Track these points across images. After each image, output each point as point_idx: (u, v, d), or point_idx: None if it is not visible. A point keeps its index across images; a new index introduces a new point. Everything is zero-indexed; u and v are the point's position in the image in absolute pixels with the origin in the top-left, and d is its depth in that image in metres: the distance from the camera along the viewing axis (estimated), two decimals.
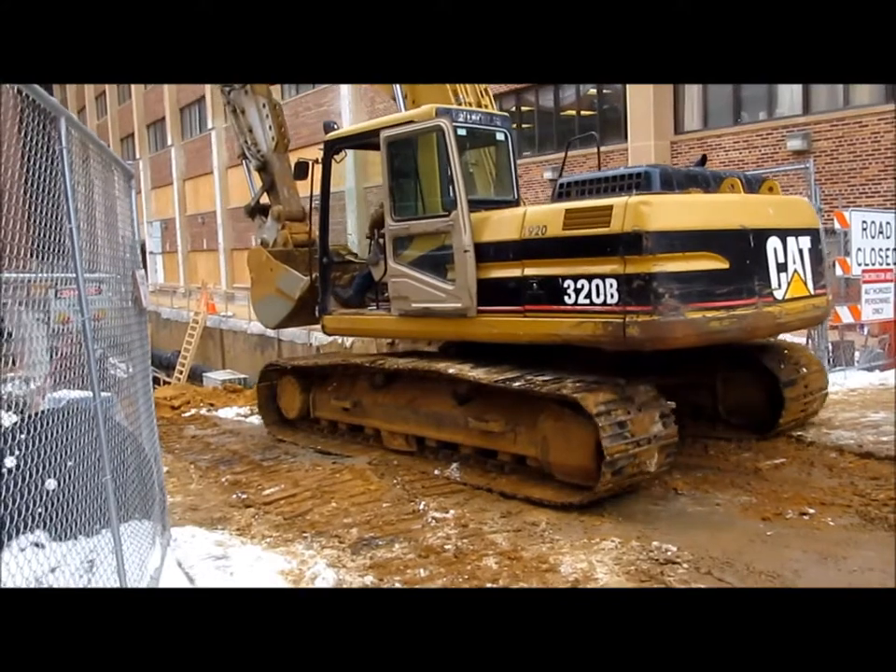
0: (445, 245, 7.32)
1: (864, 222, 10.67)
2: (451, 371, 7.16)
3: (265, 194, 10.77)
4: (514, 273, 6.76)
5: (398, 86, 9.06)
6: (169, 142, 45.03)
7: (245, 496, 7.18)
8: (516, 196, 8.82)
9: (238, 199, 37.51)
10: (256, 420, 11.39)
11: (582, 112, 21.94)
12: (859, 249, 10.53)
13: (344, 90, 27.87)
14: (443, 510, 6.31)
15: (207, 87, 38.42)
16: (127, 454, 4.82)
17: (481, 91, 8.91)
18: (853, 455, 7.02)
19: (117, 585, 4.05)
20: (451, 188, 7.16)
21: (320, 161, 8.73)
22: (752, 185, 7.08)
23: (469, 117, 8.05)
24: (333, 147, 8.72)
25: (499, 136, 8.59)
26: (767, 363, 7.62)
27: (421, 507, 6.40)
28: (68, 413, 3.87)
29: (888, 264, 11.00)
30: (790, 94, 16.90)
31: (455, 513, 6.21)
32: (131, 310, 5.44)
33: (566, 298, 6.35)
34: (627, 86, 18.95)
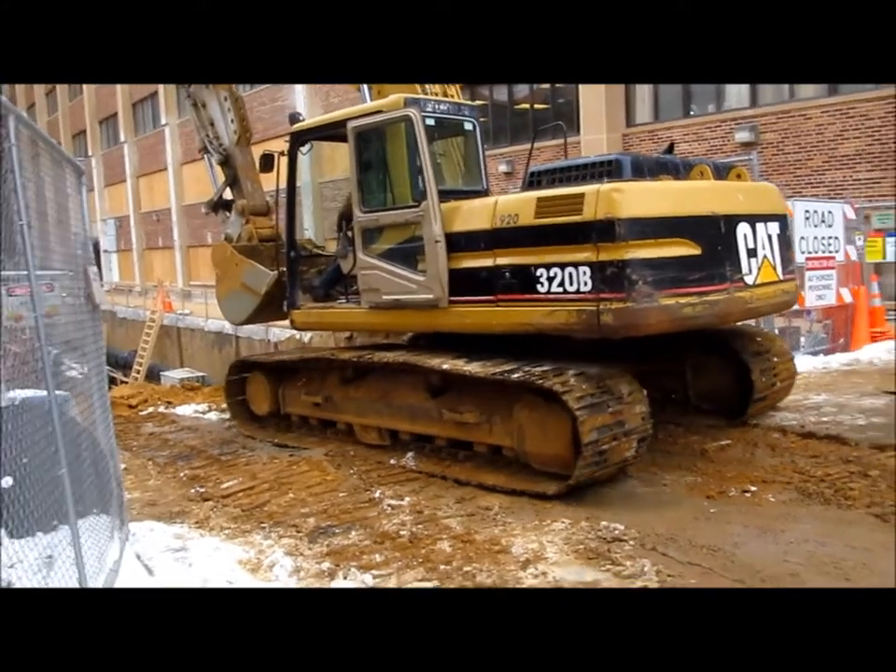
0: (415, 236, 7.28)
1: (807, 211, 10.97)
2: (444, 365, 6.96)
3: (228, 189, 10.63)
4: (486, 262, 6.74)
5: None
6: (122, 138, 44.50)
7: (203, 489, 7.23)
8: (485, 186, 8.84)
9: (193, 195, 37.25)
10: (214, 416, 11.43)
11: (536, 106, 22.14)
12: (802, 238, 10.83)
13: (298, 85, 27.78)
14: (399, 497, 6.43)
15: None
16: (82, 449, 4.86)
17: (448, 85, 8.85)
18: (795, 436, 7.26)
19: (76, 578, 4.10)
20: (420, 178, 7.12)
21: (286, 153, 8.64)
22: (721, 172, 7.13)
23: (437, 106, 8.02)
24: (299, 139, 8.62)
25: (467, 126, 8.58)
26: (736, 348, 7.68)
27: (377, 495, 6.52)
28: (22, 410, 3.91)
29: (830, 252, 11.33)
30: (737, 88, 17.24)
31: (411, 500, 6.34)
32: (83, 307, 5.47)
33: (538, 286, 6.34)
34: None
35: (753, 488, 6.07)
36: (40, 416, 4.07)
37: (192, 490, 7.28)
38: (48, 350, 4.08)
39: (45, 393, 4.05)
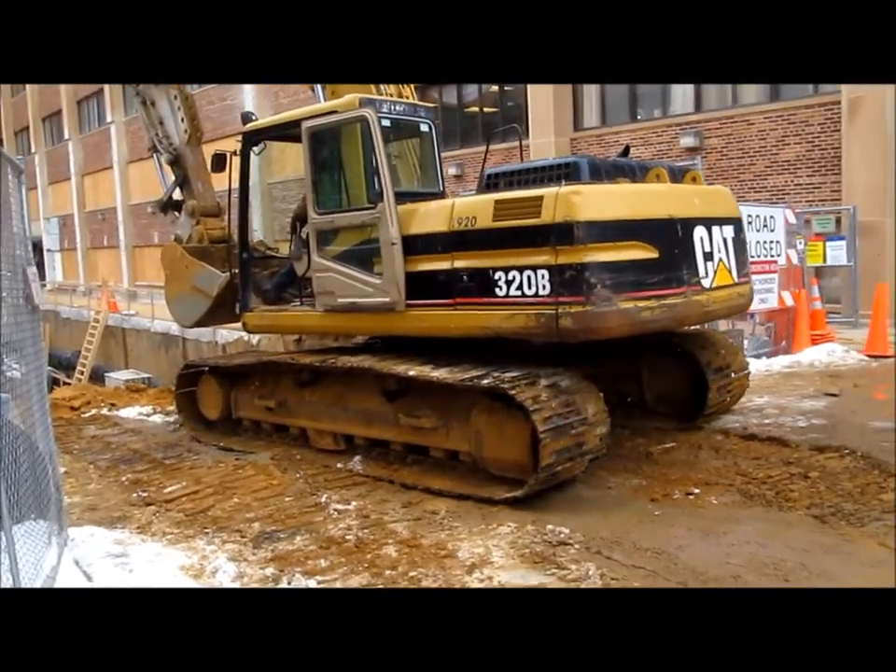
0: (371, 239, 7.17)
1: (750, 216, 11.14)
2: (411, 371, 6.76)
3: (178, 189, 10.42)
4: (444, 265, 6.67)
5: None
6: (66, 136, 43.68)
7: (145, 494, 7.11)
8: (441, 188, 8.76)
9: (140, 194, 36.72)
10: (158, 419, 11.26)
11: (485, 109, 22.23)
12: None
13: (247, 85, 27.53)
14: (345, 501, 6.39)
15: None
16: (19, 452, 4.75)
17: (404, 86, 8.78)
18: (738, 438, 7.38)
19: (9, 585, 4.02)
20: (376, 179, 7.02)
21: (238, 153, 8.48)
22: (676, 175, 7.12)
23: (392, 107, 7.92)
24: (252, 139, 8.48)
25: (423, 128, 8.51)
26: (690, 350, 7.69)
27: (323, 499, 6.47)
28: None
29: (771, 256, 11.55)
30: (682, 93, 17.53)
31: (357, 505, 6.30)
32: (22, 307, 5.35)
33: (497, 290, 6.29)
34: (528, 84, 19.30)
35: (697, 490, 6.15)
36: None
37: (134, 494, 7.16)
38: None
39: None
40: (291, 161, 20.29)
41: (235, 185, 8.63)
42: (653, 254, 6.17)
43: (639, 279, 6.07)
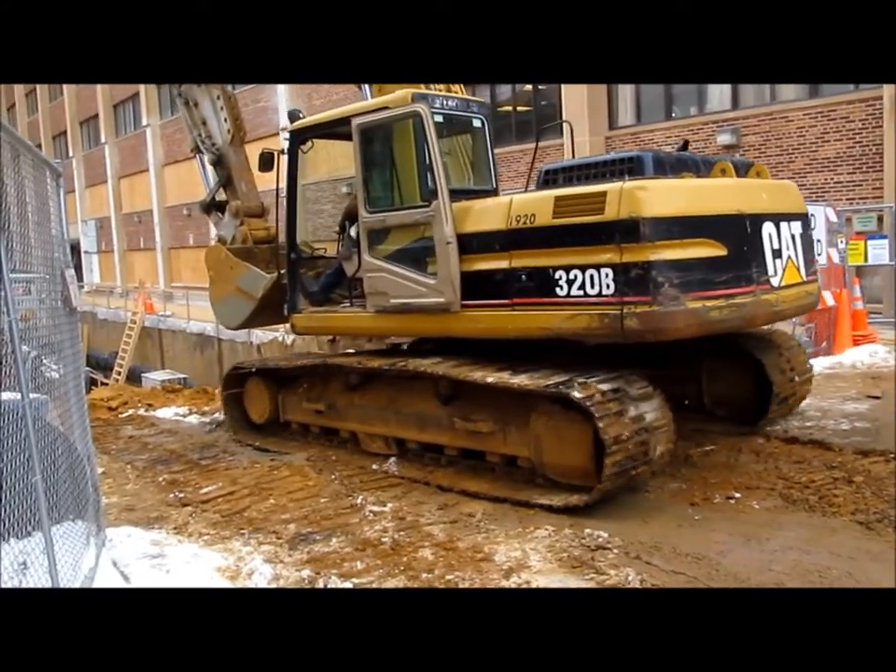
0: (425, 237, 6.98)
1: None
2: (489, 378, 6.39)
3: (221, 189, 10.32)
4: (501, 264, 6.48)
5: None
6: (103, 139, 44.20)
7: (182, 494, 7.14)
8: (494, 185, 8.53)
9: (175, 197, 37.09)
10: (194, 419, 11.34)
11: (519, 108, 22.13)
12: None
13: (282, 86, 27.67)
14: (381, 503, 6.36)
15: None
16: (58, 454, 4.78)
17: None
18: (779, 441, 7.24)
19: (49, 586, 4.03)
20: (430, 176, 6.83)
21: (286, 151, 8.32)
22: (740, 169, 6.87)
23: (445, 102, 7.72)
24: (300, 137, 8.29)
25: (476, 123, 8.29)
26: (754, 352, 7.44)
27: (359, 501, 6.45)
28: None
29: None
30: (719, 90, 17.30)
31: (393, 507, 6.27)
32: (60, 310, 5.39)
33: (557, 289, 6.09)
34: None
35: (737, 495, 6.04)
36: (13, 421, 3.99)
37: (171, 495, 7.19)
38: (26, 352, 4.01)
39: (20, 396, 3.97)
40: (324, 162, 20.31)
41: (282, 184, 8.48)
42: (722, 251, 5.96)
43: (707, 278, 5.87)
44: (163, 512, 6.64)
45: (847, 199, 14.86)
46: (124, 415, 12.30)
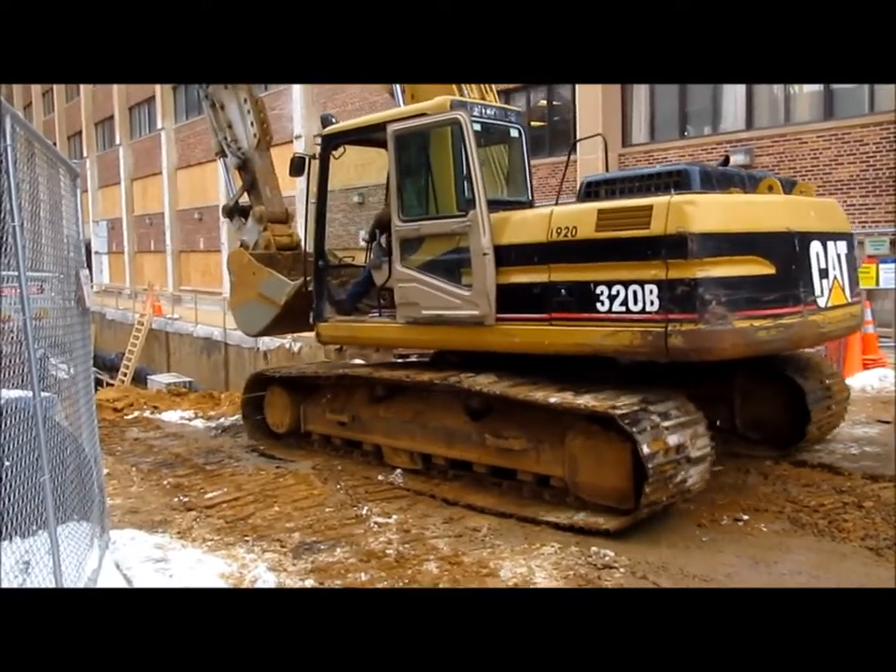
0: (460, 248, 6.80)
1: None
2: (552, 398, 6.06)
3: (245, 194, 10.22)
4: (539, 277, 6.29)
5: None
6: (117, 141, 44.35)
7: (186, 499, 7.13)
8: (530, 197, 8.36)
9: (187, 200, 37.18)
10: (200, 423, 11.34)
11: (533, 123, 22.14)
12: None
13: (297, 93, 27.75)
14: (386, 515, 6.34)
15: (158, 86, 38.01)
16: (66, 454, 4.77)
17: (485, 88, 8.38)
18: (787, 463, 7.19)
19: (52, 586, 4.01)
20: (468, 186, 6.66)
21: (317, 156, 8.17)
22: (786, 187, 6.68)
23: (483, 111, 7.54)
24: (332, 142, 8.16)
25: (513, 133, 8.13)
26: (789, 373, 7.21)
27: (364, 512, 6.43)
28: (6, 413, 3.83)
29: None
30: (733, 109, 17.29)
31: (398, 518, 6.25)
32: (73, 310, 5.38)
33: (598, 305, 5.92)
34: (577, 98, 19.20)
35: (745, 517, 6.00)
36: (24, 419, 3.98)
37: (175, 499, 7.18)
38: (34, 349, 4.00)
39: (30, 394, 3.96)
40: (338, 172, 20.34)
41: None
42: (770, 270, 5.78)
43: (755, 296, 5.69)
44: (167, 516, 6.62)
45: (860, 222, 14.81)
46: (130, 417, 12.32)
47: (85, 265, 5.84)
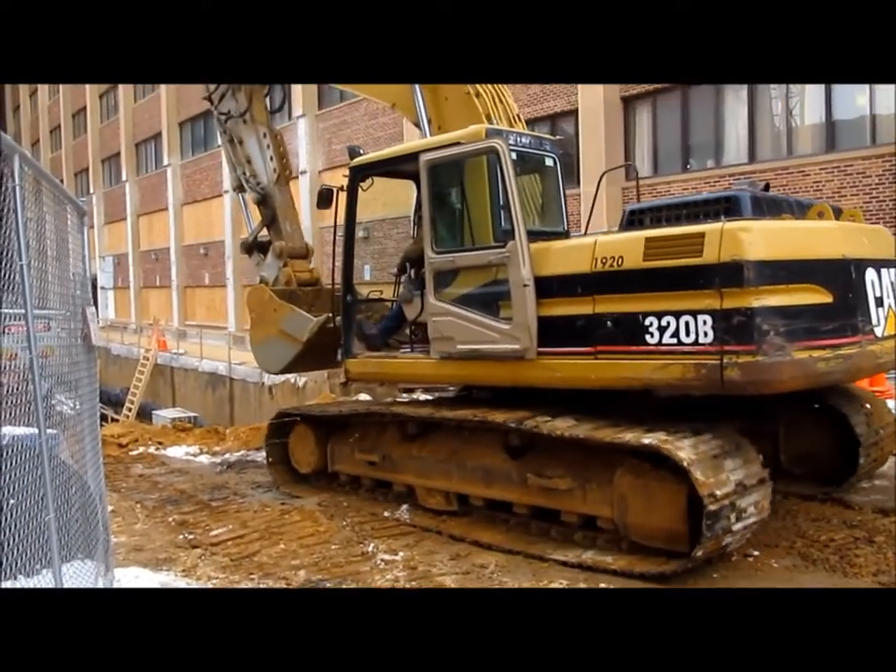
0: (499, 280, 6.59)
1: None
2: (647, 439, 5.61)
3: (265, 229, 10.13)
4: (583, 309, 6.06)
5: (422, 110, 8.38)
6: (124, 177, 44.74)
7: (191, 536, 7.09)
8: (565, 227, 8.13)
9: (193, 236, 37.40)
10: (205, 460, 11.29)
11: None
12: None
13: (301, 129, 28.02)
14: (392, 552, 6.30)
15: (164, 123, 38.45)
16: (72, 492, 4.75)
17: (513, 117, 8.23)
18: (796, 498, 7.12)
19: None
20: (507, 216, 6.50)
21: (345, 188, 7.97)
22: (836, 214, 6.48)
23: (519, 139, 7.41)
24: (360, 174, 7.95)
25: (548, 162, 7.97)
26: (837, 406, 6.95)
27: (370, 549, 6.38)
28: (12, 451, 3.82)
29: None
30: (735, 142, 17.40)
31: (405, 555, 6.20)
32: (80, 347, 5.39)
33: (647, 337, 5.70)
34: (580, 132, 19.33)
35: (756, 553, 5.94)
36: (30, 458, 3.97)
37: (181, 536, 7.14)
38: (40, 386, 3.99)
39: (35, 431, 3.96)
40: (340, 207, 20.44)
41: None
42: (828, 298, 5.58)
43: (814, 326, 5.49)
44: (172, 554, 6.58)
45: None
46: (134, 453, 12.27)
47: (91, 302, 5.86)
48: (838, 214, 6.57)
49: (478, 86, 7.89)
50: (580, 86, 18.88)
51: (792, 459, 7.24)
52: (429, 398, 9.04)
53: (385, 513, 7.37)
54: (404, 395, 13.62)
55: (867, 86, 14.79)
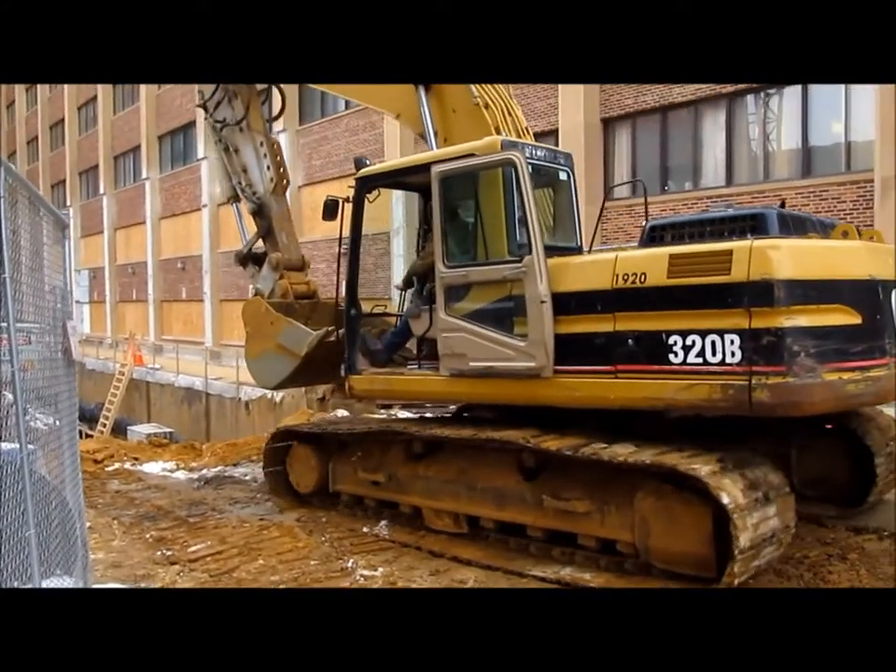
0: (514, 296, 6.45)
1: None
2: (701, 470, 5.43)
3: (260, 240, 9.89)
4: (603, 327, 5.95)
5: (429, 121, 8.20)
6: (101, 190, 44.53)
7: (169, 552, 7.04)
8: (579, 243, 7.96)
9: (170, 250, 37.29)
10: (182, 475, 11.22)
11: None
12: None
13: (283, 143, 28.03)
14: (372, 567, 6.31)
15: (143, 135, 38.34)
16: (51, 508, 4.72)
17: (522, 130, 8.08)
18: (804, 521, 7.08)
19: None
20: (523, 230, 6.34)
21: (350, 199, 7.77)
22: (859, 234, 6.44)
23: (534, 152, 7.25)
24: (367, 185, 7.74)
25: (562, 176, 7.85)
26: (851, 427, 6.86)
27: (349, 564, 6.39)
28: None
29: None
30: (713, 166, 17.63)
31: (384, 571, 6.22)
32: (59, 361, 5.37)
33: (671, 356, 5.60)
34: None
35: None
36: (9, 474, 3.95)
37: (158, 552, 7.09)
38: (22, 401, 3.98)
39: (12, 446, 3.94)
40: (321, 224, 20.45)
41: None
42: (856, 319, 5.50)
43: (843, 347, 5.42)
44: (150, 570, 6.54)
45: None
46: (110, 469, 12.15)
47: (72, 316, 5.84)
48: (860, 234, 6.55)
49: (487, 97, 7.77)
50: (560, 106, 19.09)
51: (805, 482, 7.08)
52: (410, 414, 8.99)
53: (364, 529, 7.38)
54: (381, 411, 13.65)
55: (843, 113, 15.09)
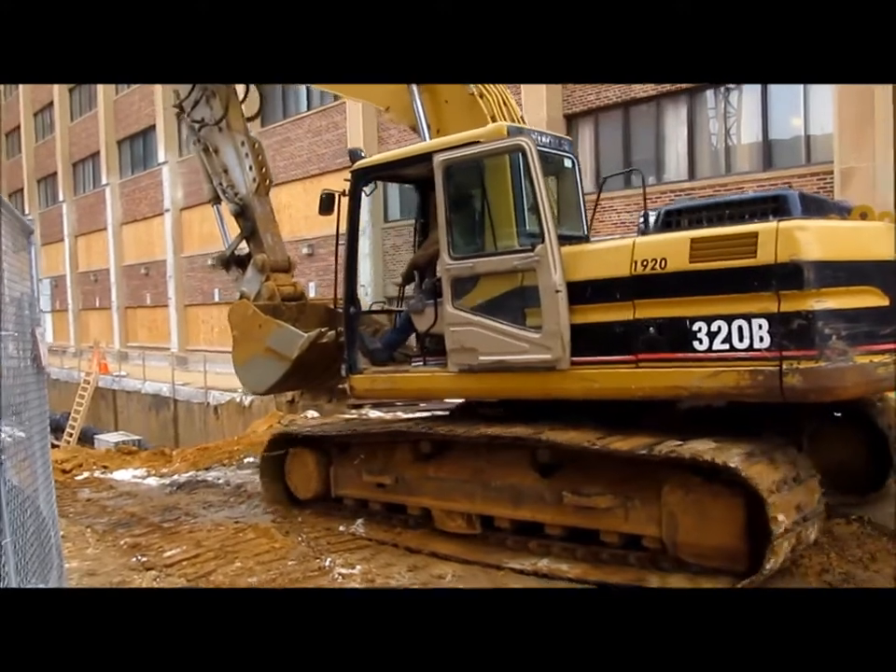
0: (525, 286, 6.27)
1: None
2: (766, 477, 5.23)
3: (244, 242, 9.62)
4: (622, 315, 5.77)
5: (421, 113, 8.02)
6: (60, 197, 43.98)
7: (145, 558, 6.99)
8: (585, 232, 7.76)
9: (133, 256, 36.93)
10: (153, 482, 11.15)
11: None
12: None
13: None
14: (350, 566, 6.32)
15: (102, 141, 37.94)
16: (26, 516, 4.69)
17: (517, 119, 7.88)
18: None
19: None
20: (535, 218, 6.16)
21: (347, 192, 7.49)
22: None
23: (540, 138, 6.95)
24: (363, 178, 7.46)
25: (567, 163, 7.62)
26: (863, 413, 6.72)
27: (327, 563, 6.39)
28: None
29: None
30: (676, 160, 17.83)
31: (362, 569, 6.23)
32: (28, 369, 5.32)
33: (696, 343, 5.44)
34: None
35: None
36: None
37: (134, 559, 7.04)
38: None
39: None
40: (287, 223, 20.39)
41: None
42: (885, 301, 5.42)
43: (873, 330, 5.32)
44: (126, 577, 6.49)
45: None
46: (80, 478, 12.06)
47: (41, 323, 5.79)
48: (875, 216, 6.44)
49: (482, 87, 7.68)
50: (523, 103, 19.17)
51: (818, 470, 6.81)
52: (381, 414, 8.99)
53: (341, 528, 7.38)
54: (353, 411, 13.63)
55: (802, 108, 15.34)
